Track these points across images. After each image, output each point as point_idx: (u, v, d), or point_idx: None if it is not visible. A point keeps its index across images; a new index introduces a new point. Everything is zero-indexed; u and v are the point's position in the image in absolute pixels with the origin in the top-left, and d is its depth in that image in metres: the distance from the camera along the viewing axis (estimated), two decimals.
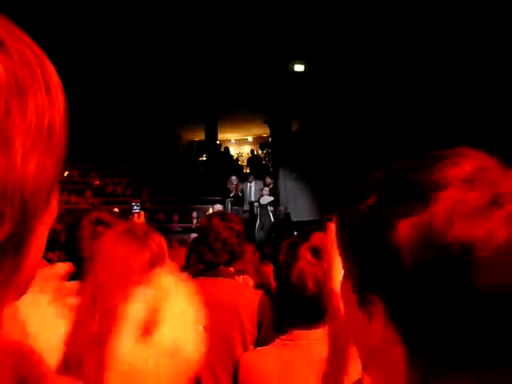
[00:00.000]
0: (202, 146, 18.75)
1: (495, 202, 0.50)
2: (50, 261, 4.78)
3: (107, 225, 2.16)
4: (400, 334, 0.53)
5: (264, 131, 18.64)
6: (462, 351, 0.50)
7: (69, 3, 11.07)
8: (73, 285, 0.82)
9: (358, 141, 12.41)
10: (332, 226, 0.83)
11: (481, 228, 0.48)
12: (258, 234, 11.50)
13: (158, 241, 1.52)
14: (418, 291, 0.51)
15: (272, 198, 12.21)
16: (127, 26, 12.07)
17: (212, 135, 17.29)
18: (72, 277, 1.51)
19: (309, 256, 1.58)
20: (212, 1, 11.59)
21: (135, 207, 3.47)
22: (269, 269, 3.94)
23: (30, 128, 0.38)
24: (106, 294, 1.35)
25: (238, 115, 17.00)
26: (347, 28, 11.57)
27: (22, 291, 0.45)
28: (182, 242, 5.87)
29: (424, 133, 10.82)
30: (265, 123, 16.84)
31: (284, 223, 11.84)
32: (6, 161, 0.37)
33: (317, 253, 1.58)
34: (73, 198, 12.77)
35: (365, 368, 0.68)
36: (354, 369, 0.83)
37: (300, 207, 13.23)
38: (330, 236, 0.85)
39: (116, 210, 10.67)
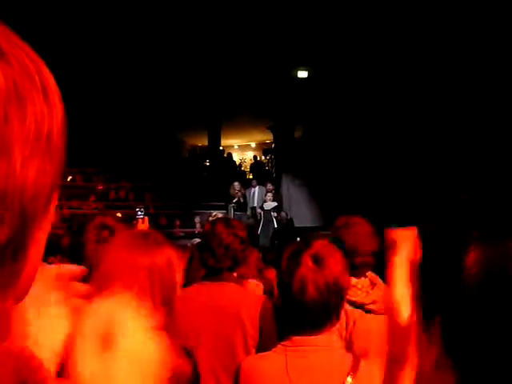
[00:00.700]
0: (205, 152, 18.79)
1: None
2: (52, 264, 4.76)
3: (111, 230, 2.17)
4: (454, 361, 0.50)
5: (267, 137, 18.66)
6: None
7: (68, 10, 11.12)
8: (83, 287, 0.82)
9: (361, 147, 12.41)
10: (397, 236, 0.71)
11: None
12: (261, 240, 11.49)
13: (169, 252, 1.52)
14: (480, 315, 0.48)
15: (275, 204, 12.21)
16: (131, 32, 12.12)
17: (215, 141, 17.32)
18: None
19: (310, 263, 1.58)
20: (216, 8, 11.62)
21: (139, 213, 3.48)
22: (271, 274, 3.94)
23: (29, 135, 0.39)
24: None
25: (241, 121, 17.03)
26: (350, 34, 11.59)
27: (21, 296, 0.46)
28: (184, 247, 5.87)
29: (427, 138, 10.82)
30: (268, 129, 16.86)
31: (287, 229, 11.83)
32: (6, 167, 0.37)
33: (318, 260, 1.58)
34: (76, 203, 12.81)
35: None
36: None
37: (303, 213, 13.23)
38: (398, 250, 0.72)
39: (119, 214, 10.71)
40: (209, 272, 2.58)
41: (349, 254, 2.31)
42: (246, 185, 13.73)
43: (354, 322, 2.27)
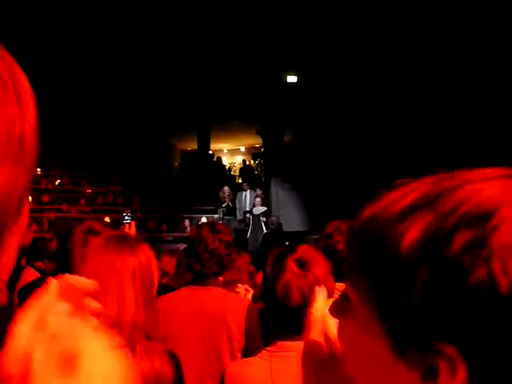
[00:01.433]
0: (194, 156, 18.78)
1: None
2: (39, 270, 4.75)
3: (99, 234, 2.17)
4: None
5: (256, 141, 18.68)
6: None
7: (61, 18, 11.08)
8: (97, 305, 0.80)
9: (350, 151, 12.46)
10: None
11: None
12: (251, 244, 11.48)
13: (146, 250, 1.54)
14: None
15: (265, 208, 12.20)
16: (122, 36, 12.09)
17: (204, 145, 17.31)
18: None
19: (295, 268, 1.58)
20: (206, 13, 11.64)
21: (126, 217, 3.46)
22: (261, 278, 3.92)
23: (1, 139, 0.38)
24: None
25: (230, 125, 17.04)
26: (340, 39, 11.64)
27: None
28: (173, 252, 5.85)
29: (417, 143, 10.87)
30: (257, 133, 16.88)
31: (276, 233, 11.83)
32: None
33: (303, 264, 1.58)
34: (64, 207, 12.73)
35: None
36: None
37: (292, 217, 13.24)
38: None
39: (107, 219, 10.66)
40: (195, 277, 2.58)
41: (340, 259, 2.33)
42: (236, 189, 13.74)
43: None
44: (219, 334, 2.45)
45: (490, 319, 0.41)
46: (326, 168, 12.92)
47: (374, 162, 11.60)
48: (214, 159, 17.98)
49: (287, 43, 12.32)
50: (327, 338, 0.82)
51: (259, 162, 18.24)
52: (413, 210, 0.47)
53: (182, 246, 6.50)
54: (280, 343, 1.61)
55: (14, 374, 0.46)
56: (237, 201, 13.14)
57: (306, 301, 1.54)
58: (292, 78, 14.16)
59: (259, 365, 1.60)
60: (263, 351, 1.64)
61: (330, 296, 1.67)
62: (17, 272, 4.26)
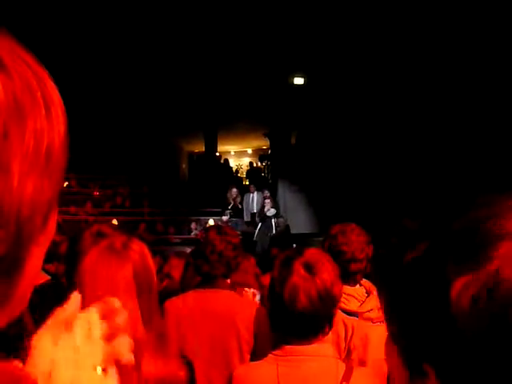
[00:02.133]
0: (201, 158, 18.81)
1: None
2: (48, 272, 4.77)
3: (108, 237, 2.18)
4: None
5: (263, 143, 18.69)
6: None
7: (62, 20, 11.14)
8: (124, 321, 0.82)
9: (357, 153, 12.43)
10: None
11: None
12: (259, 246, 11.46)
13: (139, 248, 1.53)
14: (484, 364, 0.43)
15: (275, 211, 12.21)
16: (128, 37, 12.13)
17: (212, 147, 17.33)
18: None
19: (302, 271, 1.58)
20: (212, 15, 11.66)
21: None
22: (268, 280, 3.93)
23: (28, 151, 0.38)
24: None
25: (237, 127, 17.05)
26: (346, 41, 11.63)
27: (16, 311, 0.45)
28: (180, 254, 5.86)
29: (423, 144, 10.84)
30: (264, 136, 16.88)
31: (283, 235, 11.82)
32: (3, 184, 0.37)
33: (310, 268, 1.58)
34: (72, 209, 12.77)
35: None
36: None
37: (299, 220, 13.22)
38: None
39: (115, 221, 10.69)
40: (203, 279, 2.60)
41: (344, 261, 2.33)
42: (243, 191, 13.73)
43: (353, 331, 2.27)
44: (228, 336, 2.46)
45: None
46: (332, 170, 12.90)
47: (381, 163, 11.57)
48: (221, 161, 18.00)
49: (294, 45, 12.32)
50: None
51: (266, 163, 18.24)
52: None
53: (189, 249, 6.52)
54: (287, 347, 1.61)
55: None
56: (244, 203, 13.13)
57: (313, 305, 1.55)
58: (299, 80, 14.15)
59: (266, 368, 1.60)
60: (270, 355, 1.64)
61: (338, 299, 1.67)
62: None
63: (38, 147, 0.39)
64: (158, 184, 15.04)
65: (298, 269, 1.58)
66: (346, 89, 12.58)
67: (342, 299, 2.04)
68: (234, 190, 13.38)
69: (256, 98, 14.31)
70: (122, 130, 15.38)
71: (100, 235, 2.20)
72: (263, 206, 12.15)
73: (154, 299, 1.52)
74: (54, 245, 5.10)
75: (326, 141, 13.79)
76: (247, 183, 16.20)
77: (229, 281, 2.67)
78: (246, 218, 12.88)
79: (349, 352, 2.22)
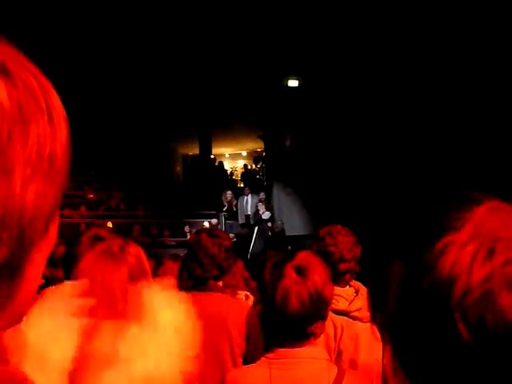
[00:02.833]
0: (196, 160, 18.81)
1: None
2: (44, 276, 4.76)
3: (105, 241, 2.18)
4: None
5: (258, 146, 18.71)
6: None
7: (59, 24, 11.14)
8: (82, 303, 0.84)
9: (352, 155, 12.46)
10: None
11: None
12: (255, 249, 11.45)
13: (135, 251, 1.54)
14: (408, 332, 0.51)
15: (270, 214, 12.21)
16: (123, 40, 12.13)
17: (206, 149, 17.34)
18: None
19: (293, 274, 1.58)
20: (207, 17, 11.67)
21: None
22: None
23: (31, 156, 0.39)
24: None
25: (232, 130, 17.06)
26: (340, 44, 11.66)
27: (18, 317, 0.45)
28: (175, 257, 5.86)
29: (419, 146, 10.87)
30: (259, 138, 16.90)
31: (278, 238, 11.83)
32: (6, 188, 0.37)
33: (301, 271, 1.59)
34: (66, 212, 12.74)
35: None
36: None
37: (294, 222, 13.23)
38: None
39: (109, 224, 10.67)
40: (196, 282, 2.61)
41: (333, 261, 2.36)
42: (238, 193, 13.73)
43: (342, 330, 2.29)
44: (220, 339, 2.46)
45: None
46: (327, 172, 12.92)
47: (376, 166, 11.60)
48: (216, 164, 18.01)
49: (288, 48, 12.35)
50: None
51: (261, 166, 18.26)
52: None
53: (184, 251, 6.51)
54: (279, 350, 1.61)
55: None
56: (238, 205, 13.13)
57: (305, 307, 1.55)
58: (293, 83, 14.18)
59: (258, 372, 1.61)
60: (262, 358, 1.64)
61: (329, 302, 1.67)
62: None
63: (40, 153, 0.40)
64: (153, 186, 15.03)
65: (290, 272, 1.58)
66: (340, 91, 12.61)
67: (333, 301, 2.05)
68: (229, 192, 13.38)
69: (250, 101, 14.33)
70: (116, 132, 15.37)
71: (98, 239, 2.20)
72: (257, 210, 12.13)
73: None
74: None
75: (321, 143, 13.81)
76: (242, 185, 16.19)
77: (221, 283, 2.68)
78: (241, 220, 12.88)
79: (339, 353, 2.23)
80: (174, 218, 13.74)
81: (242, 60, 12.81)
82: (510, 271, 0.47)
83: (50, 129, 0.41)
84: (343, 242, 2.45)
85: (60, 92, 0.46)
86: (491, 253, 0.48)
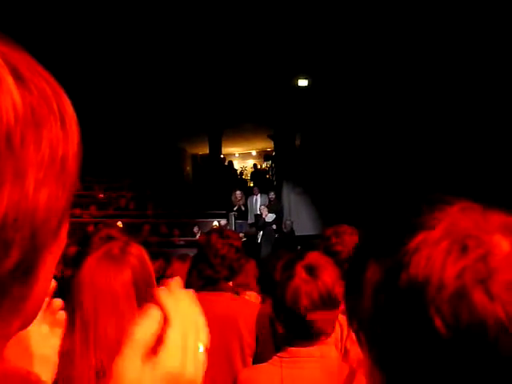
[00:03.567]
0: (205, 160, 18.83)
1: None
2: (54, 276, 4.77)
3: (116, 241, 2.18)
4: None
5: (268, 145, 18.70)
6: None
7: (67, 27, 11.20)
8: (59, 301, 0.85)
9: (362, 155, 12.43)
10: None
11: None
12: (264, 250, 11.44)
13: (137, 252, 1.52)
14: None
15: (275, 216, 12.17)
16: (132, 40, 12.18)
17: (216, 149, 17.34)
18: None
19: (303, 274, 1.59)
20: (217, 18, 11.69)
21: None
22: None
23: (44, 159, 0.40)
24: (96, 323, 1.36)
25: (242, 129, 17.06)
26: (350, 43, 11.64)
27: (30, 319, 0.46)
28: (183, 257, 5.85)
29: (427, 145, 10.83)
30: (269, 137, 16.89)
31: (288, 238, 11.81)
32: (19, 191, 0.38)
33: (312, 270, 1.59)
34: (77, 212, 12.81)
35: None
36: None
37: (303, 221, 13.22)
38: None
39: (119, 224, 10.72)
40: (206, 282, 2.60)
41: (341, 260, 2.37)
42: (248, 193, 13.73)
43: (348, 330, 2.28)
44: (230, 339, 2.46)
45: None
46: (337, 171, 12.90)
47: (386, 165, 11.56)
48: (226, 163, 18.01)
49: (298, 47, 12.34)
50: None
51: (271, 166, 18.25)
52: None
53: (194, 251, 6.50)
54: (290, 349, 1.62)
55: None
56: (248, 205, 13.14)
57: (315, 306, 1.55)
58: (303, 82, 14.17)
59: (270, 371, 1.62)
60: (274, 357, 1.65)
61: (339, 301, 1.67)
62: None
63: (53, 156, 0.40)
64: (162, 186, 15.06)
65: (300, 272, 1.59)
66: (350, 90, 12.59)
67: None
68: (238, 192, 13.38)
69: (260, 100, 14.33)
70: (126, 132, 15.42)
71: (109, 239, 2.21)
72: (261, 214, 12.10)
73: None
74: None
75: (331, 142, 13.79)
76: (251, 185, 16.19)
77: (231, 283, 2.67)
78: (250, 220, 12.88)
79: (346, 352, 2.23)
80: (183, 218, 13.75)
81: (252, 60, 12.82)
82: (482, 268, 0.49)
83: (62, 133, 0.42)
84: (349, 240, 2.51)
85: (71, 94, 0.47)
86: (463, 250, 0.51)
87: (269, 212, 12.05)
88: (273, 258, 8.58)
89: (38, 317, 0.47)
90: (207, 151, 17.85)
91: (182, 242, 12.53)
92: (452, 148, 10.32)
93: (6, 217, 0.37)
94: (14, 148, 0.37)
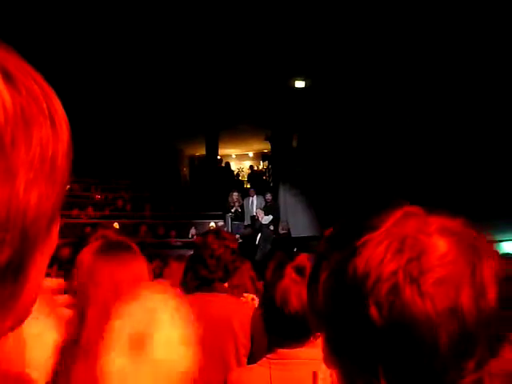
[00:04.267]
0: (202, 161, 18.80)
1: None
2: (48, 275, 4.77)
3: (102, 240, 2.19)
4: None
5: (265, 147, 18.69)
6: None
7: (64, 26, 11.18)
8: (64, 298, 0.85)
9: (359, 156, 12.43)
10: None
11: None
12: (260, 252, 11.42)
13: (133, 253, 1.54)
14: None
15: (271, 217, 12.15)
16: (129, 41, 12.17)
17: (213, 150, 17.33)
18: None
19: (293, 274, 1.59)
20: (214, 18, 11.69)
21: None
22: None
23: (34, 159, 0.40)
24: (95, 309, 1.37)
25: (239, 131, 17.04)
26: (347, 44, 11.65)
27: (21, 318, 0.46)
28: (180, 258, 5.85)
29: (425, 148, 10.84)
30: (266, 139, 16.88)
31: (284, 239, 11.80)
32: (9, 190, 0.38)
33: (301, 271, 1.59)
34: (74, 212, 12.79)
35: None
36: None
37: (300, 223, 13.19)
38: None
39: (116, 225, 10.71)
40: (201, 283, 2.61)
41: None
42: (244, 194, 13.72)
43: None
44: (225, 340, 2.47)
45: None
46: (334, 173, 12.89)
47: (383, 166, 11.57)
48: (223, 164, 17.99)
49: (295, 48, 12.34)
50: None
51: (267, 167, 18.22)
52: None
53: (191, 252, 6.49)
54: (280, 350, 1.62)
55: None
56: (244, 206, 13.12)
57: (305, 308, 1.56)
58: (300, 84, 14.17)
59: (259, 372, 1.62)
60: (263, 358, 1.66)
61: None
62: None
63: (43, 155, 0.40)
64: (159, 187, 15.05)
65: (290, 272, 1.60)
66: (347, 92, 12.59)
67: None
68: (235, 193, 13.37)
69: (257, 102, 14.33)
70: (123, 133, 15.40)
71: None
72: (257, 217, 12.09)
73: None
74: (55, 248, 5.12)
75: (328, 144, 13.78)
76: (248, 186, 16.16)
77: (226, 284, 2.69)
78: (247, 221, 12.87)
79: None
80: (180, 219, 13.75)
81: (249, 61, 12.82)
82: (414, 267, 0.56)
83: (52, 132, 0.42)
84: None
85: (68, 95, 0.49)
86: (400, 250, 0.57)
87: (265, 213, 12.05)
88: (269, 259, 8.59)
89: (30, 315, 0.49)
90: (204, 152, 17.84)
91: (178, 243, 12.53)
92: (452, 149, 10.33)
93: None
94: (5, 148, 0.38)
